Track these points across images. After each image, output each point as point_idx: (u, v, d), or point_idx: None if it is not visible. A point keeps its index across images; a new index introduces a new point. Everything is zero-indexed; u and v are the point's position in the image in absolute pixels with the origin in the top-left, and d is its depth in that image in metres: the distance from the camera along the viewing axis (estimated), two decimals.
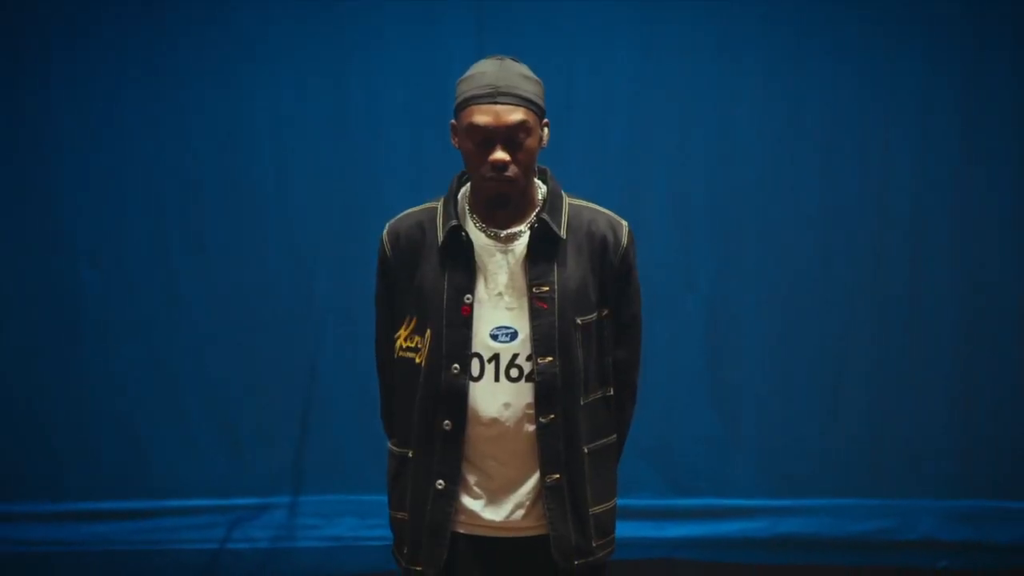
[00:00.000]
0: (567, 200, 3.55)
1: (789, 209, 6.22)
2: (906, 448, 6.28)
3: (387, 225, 3.59)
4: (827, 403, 6.29)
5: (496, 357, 3.48)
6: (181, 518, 6.20)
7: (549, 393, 3.47)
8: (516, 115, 3.40)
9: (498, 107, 3.39)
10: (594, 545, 3.55)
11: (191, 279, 6.17)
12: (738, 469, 6.28)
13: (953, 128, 6.18)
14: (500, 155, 3.39)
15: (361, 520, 6.16)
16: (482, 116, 3.40)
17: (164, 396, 6.19)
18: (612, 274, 3.54)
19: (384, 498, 3.73)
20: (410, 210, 3.60)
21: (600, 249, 3.53)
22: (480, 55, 3.59)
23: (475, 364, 3.48)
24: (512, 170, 3.40)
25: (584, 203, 3.59)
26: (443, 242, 3.49)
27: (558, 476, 3.49)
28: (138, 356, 6.17)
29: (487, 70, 3.44)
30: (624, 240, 3.56)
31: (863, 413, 6.28)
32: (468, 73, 3.47)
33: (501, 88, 3.41)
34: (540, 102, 3.46)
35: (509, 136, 3.39)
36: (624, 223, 3.59)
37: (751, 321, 6.27)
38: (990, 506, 6.26)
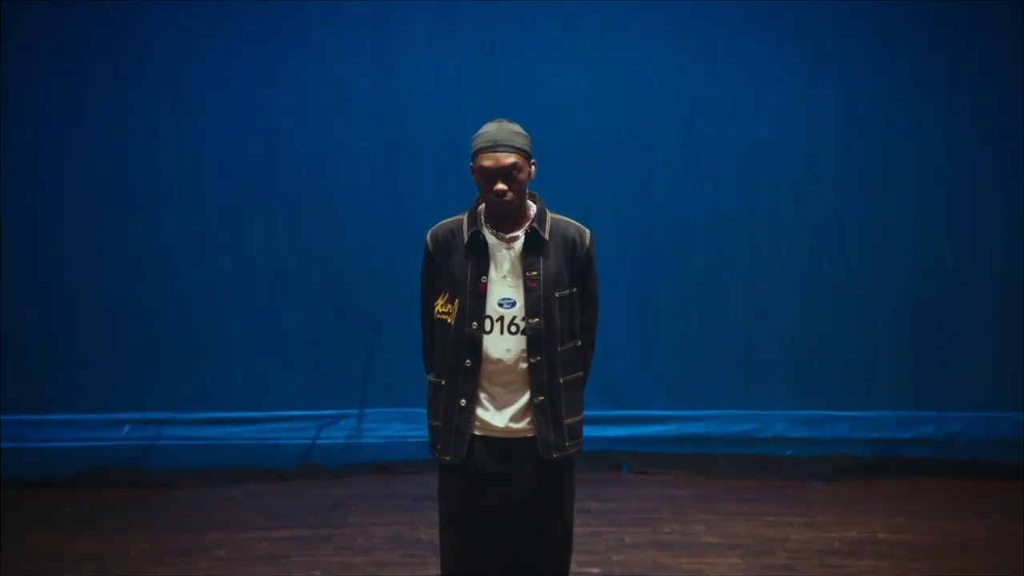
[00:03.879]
0: (550, 215, 3.56)
1: (687, 214, 6.18)
2: (766, 375, 6.26)
3: (429, 231, 3.59)
4: (714, 345, 6.25)
5: (502, 318, 3.47)
6: (286, 423, 6.17)
7: (536, 342, 3.47)
8: (510, 159, 3.39)
9: (498, 154, 3.39)
10: (567, 444, 3.55)
11: (294, 266, 6.12)
12: (655, 390, 6.26)
13: (828, 141, 6.12)
14: (500, 186, 3.40)
15: (406, 425, 6.12)
16: (487, 160, 3.40)
17: (276, 344, 6.15)
18: (579, 265, 3.55)
19: (423, 411, 3.71)
20: (444, 220, 3.60)
21: (571, 248, 3.53)
22: (486, 118, 3.56)
23: (488, 323, 3.47)
24: (509, 196, 3.41)
25: (561, 217, 3.59)
26: (467, 242, 3.50)
27: (542, 398, 3.49)
28: (259, 318, 6.13)
29: (490, 129, 3.44)
30: (587, 242, 3.56)
31: (738, 352, 6.25)
32: (479, 132, 3.47)
33: (500, 141, 3.40)
34: (527, 149, 3.45)
35: (506, 173, 3.39)
36: (587, 231, 3.58)
37: (662, 291, 6.23)
38: (821, 414, 6.24)
